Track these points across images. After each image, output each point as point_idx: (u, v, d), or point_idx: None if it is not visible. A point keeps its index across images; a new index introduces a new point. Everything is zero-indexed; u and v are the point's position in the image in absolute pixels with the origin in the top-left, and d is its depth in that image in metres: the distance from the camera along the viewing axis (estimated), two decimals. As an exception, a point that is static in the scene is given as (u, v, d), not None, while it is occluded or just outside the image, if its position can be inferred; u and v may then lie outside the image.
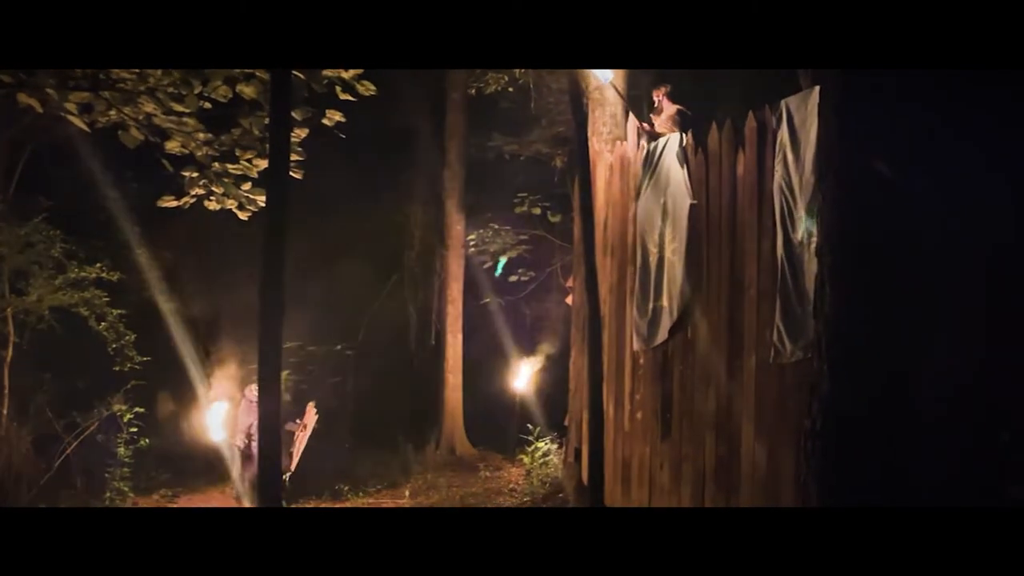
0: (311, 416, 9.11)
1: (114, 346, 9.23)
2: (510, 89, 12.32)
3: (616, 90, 7.77)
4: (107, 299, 9.24)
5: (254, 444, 8.87)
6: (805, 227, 5.35)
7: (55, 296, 8.92)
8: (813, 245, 5.13)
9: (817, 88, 5.07)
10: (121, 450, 8.94)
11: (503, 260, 12.64)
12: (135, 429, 9.02)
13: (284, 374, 9.15)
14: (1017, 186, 3.13)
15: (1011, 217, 3.14)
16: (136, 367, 9.29)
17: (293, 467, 8.89)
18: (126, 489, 8.97)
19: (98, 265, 9.31)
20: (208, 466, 10.05)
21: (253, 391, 8.77)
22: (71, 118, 5.74)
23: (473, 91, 12.94)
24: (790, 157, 5.54)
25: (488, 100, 12.93)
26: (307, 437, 9.03)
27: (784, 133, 5.60)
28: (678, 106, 7.08)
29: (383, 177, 14.39)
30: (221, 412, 8.40)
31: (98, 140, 7.68)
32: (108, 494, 8.81)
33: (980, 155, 3.16)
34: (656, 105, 7.30)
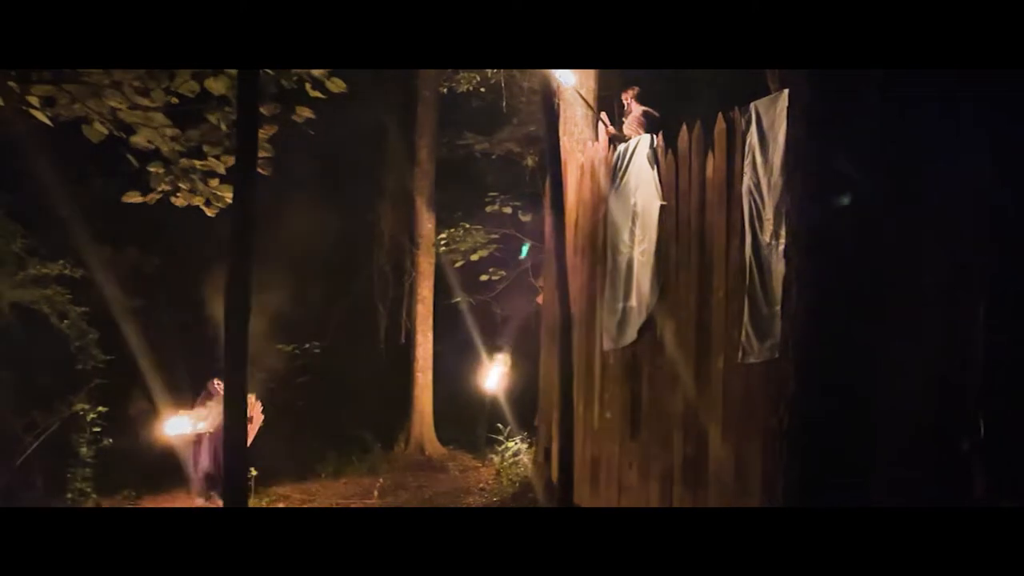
0: (257, 410, 9.01)
1: (76, 344, 9.05)
2: (482, 88, 12.29)
3: (580, 96, 7.77)
4: (69, 296, 9.06)
5: (205, 438, 8.79)
6: (773, 229, 5.41)
7: (15, 292, 8.73)
8: (781, 246, 5.19)
9: (786, 91, 5.12)
10: (83, 450, 8.78)
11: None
12: (98, 429, 8.87)
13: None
14: (982, 187, 3.18)
15: (974, 219, 3.19)
16: (99, 366, 9.12)
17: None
18: (88, 490, 8.81)
19: (60, 262, 9.13)
20: (174, 466, 9.88)
21: (215, 384, 8.68)
22: (33, 111, 5.62)
23: (445, 89, 12.89)
24: (759, 159, 5.59)
25: (460, 98, 12.88)
26: (255, 430, 8.96)
27: (753, 135, 5.65)
28: (644, 108, 7.12)
29: (353, 174, 14.28)
30: (185, 420, 8.32)
31: (61, 134, 7.53)
32: (69, 495, 8.66)
33: (946, 158, 3.21)
34: (625, 107, 7.34)
